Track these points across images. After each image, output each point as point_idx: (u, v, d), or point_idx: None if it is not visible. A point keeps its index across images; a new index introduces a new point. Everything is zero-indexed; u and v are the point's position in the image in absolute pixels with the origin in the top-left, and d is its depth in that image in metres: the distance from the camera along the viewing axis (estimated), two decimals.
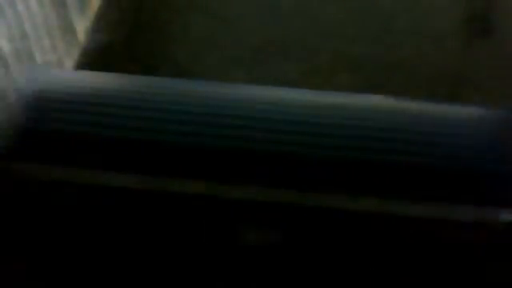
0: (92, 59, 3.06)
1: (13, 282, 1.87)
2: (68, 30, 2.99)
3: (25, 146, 1.76)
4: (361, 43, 3.04)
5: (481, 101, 2.75)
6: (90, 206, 1.75)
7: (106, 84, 1.90)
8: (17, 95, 1.85)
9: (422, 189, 1.67)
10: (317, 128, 1.76)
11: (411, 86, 2.84)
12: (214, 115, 1.79)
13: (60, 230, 1.80)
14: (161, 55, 3.18)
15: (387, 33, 3.10)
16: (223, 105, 1.81)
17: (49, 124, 1.79)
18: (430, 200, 1.65)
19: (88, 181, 1.72)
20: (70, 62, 3.00)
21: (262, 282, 1.82)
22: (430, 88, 2.82)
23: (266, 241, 1.73)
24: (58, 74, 1.93)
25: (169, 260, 1.80)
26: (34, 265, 1.86)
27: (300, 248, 1.73)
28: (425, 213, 1.65)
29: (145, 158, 1.73)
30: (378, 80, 2.87)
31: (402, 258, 1.71)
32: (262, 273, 1.78)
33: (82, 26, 3.11)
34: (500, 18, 3.27)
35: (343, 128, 1.76)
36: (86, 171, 1.72)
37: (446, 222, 1.62)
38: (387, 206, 1.64)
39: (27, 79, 1.89)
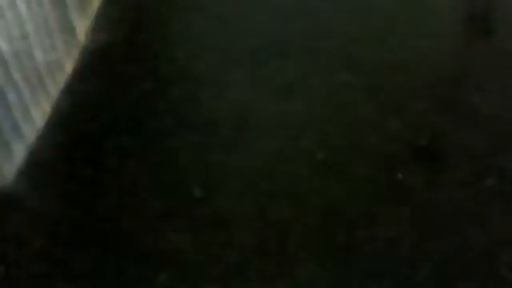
0: (92, 59, 3.06)
1: None
2: (68, 29, 2.99)
3: None
4: (361, 43, 3.04)
5: (481, 101, 2.75)
6: None
7: None
8: None
9: None
10: None
11: (411, 86, 2.84)
12: None
13: None
14: (161, 55, 3.18)
15: (387, 33, 3.09)
16: None
17: None
18: None
19: None
20: (69, 62, 3.00)
21: None
22: (430, 88, 2.83)
23: None
24: None
25: None
26: None
27: None
28: None
29: None
30: (378, 80, 2.87)
31: None
32: None
33: (81, 26, 3.11)
34: (500, 18, 3.27)
35: None
36: None
37: None
38: None
39: None
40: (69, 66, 3.00)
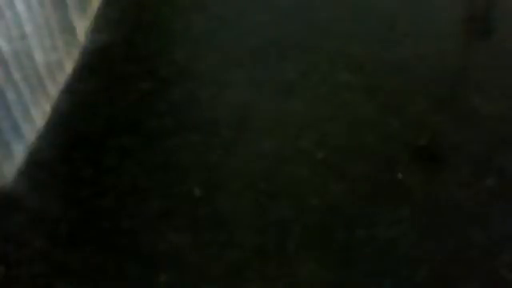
0: (92, 59, 3.06)
1: None
2: (68, 30, 2.99)
3: None
4: (361, 43, 3.04)
5: (481, 101, 2.75)
6: None
7: None
8: None
9: None
10: None
11: (411, 86, 2.84)
12: None
13: None
14: (161, 55, 3.18)
15: (387, 33, 3.09)
16: None
17: None
18: None
19: None
20: (69, 62, 3.00)
21: None
22: (430, 88, 2.83)
23: None
24: None
25: None
26: None
27: None
28: None
29: None
30: (378, 80, 2.87)
31: None
32: None
33: (81, 26, 3.11)
34: (500, 18, 3.27)
35: None
36: None
37: None
38: None
39: None
40: (69, 66, 3.00)
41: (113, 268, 2.29)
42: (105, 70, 3.08)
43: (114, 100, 2.92)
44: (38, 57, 2.71)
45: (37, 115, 2.73)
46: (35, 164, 2.66)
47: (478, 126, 2.64)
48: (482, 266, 2.16)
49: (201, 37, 3.20)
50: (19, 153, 2.61)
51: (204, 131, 2.76)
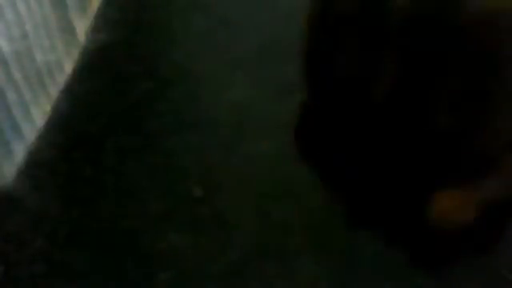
0: (92, 59, 3.06)
1: None
2: (68, 29, 2.99)
3: None
4: None
5: None
6: None
7: None
8: None
9: None
10: None
11: None
12: None
13: None
14: (161, 55, 3.18)
15: None
16: None
17: None
18: None
19: None
20: (69, 62, 3.00)
21: None
22: None
23: None
24: None
25: None
26: None
27: None
28: None
29: None
30: None
31: None
32: None
33: (81, 26, 3.10)
34: None
35: None
36: None
37: None
38: None
39: None
40: (69, 66, 3.00)
41: (113, 268, 2.30)
42: (105, 70, 3.07)
43: (113, 100, 2.92)
44: (38, 57, 2.71)
45: (37, 115, 2.73)
46: (35, 164, 2.66)
47: None
48: (482, 266, 2.16)
49: (201, 37, 3.20)
50: (19, 153, 2.61)
51: (204, 131, 2.76)
